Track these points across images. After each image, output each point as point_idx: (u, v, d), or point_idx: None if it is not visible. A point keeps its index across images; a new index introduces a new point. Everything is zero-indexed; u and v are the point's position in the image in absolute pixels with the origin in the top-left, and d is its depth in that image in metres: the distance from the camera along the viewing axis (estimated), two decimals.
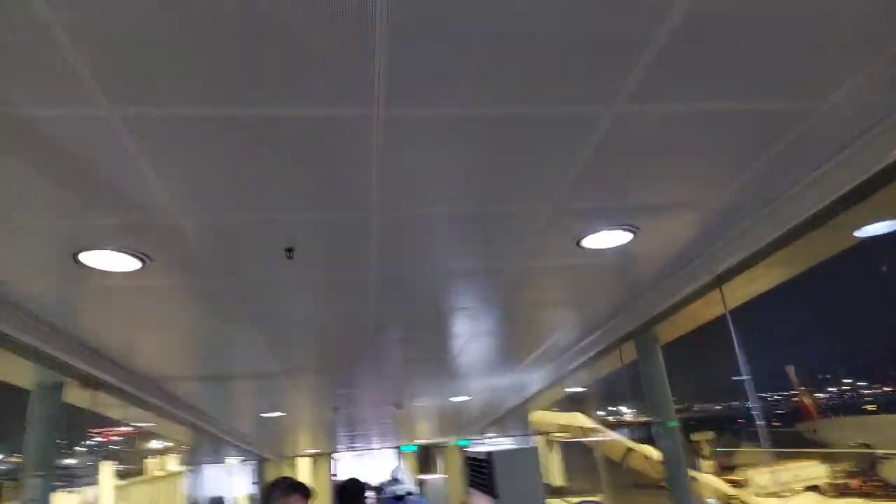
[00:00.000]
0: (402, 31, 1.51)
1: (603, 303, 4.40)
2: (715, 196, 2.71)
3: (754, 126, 2.15)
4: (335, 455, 23.06)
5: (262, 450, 15.07)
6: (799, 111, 2.09)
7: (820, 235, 3.12)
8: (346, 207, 2.43)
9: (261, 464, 18.37)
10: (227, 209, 2.34)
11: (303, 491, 2.79)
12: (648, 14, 1.55)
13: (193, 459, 15.23)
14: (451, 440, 18.06)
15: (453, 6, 1.46)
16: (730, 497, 19.28)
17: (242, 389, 6.86)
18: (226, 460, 16.77)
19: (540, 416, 15.65)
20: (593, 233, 2.93)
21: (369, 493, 11.44)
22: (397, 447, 22.55)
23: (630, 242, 3.08)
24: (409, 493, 5.97)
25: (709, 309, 4.69)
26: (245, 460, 18.32)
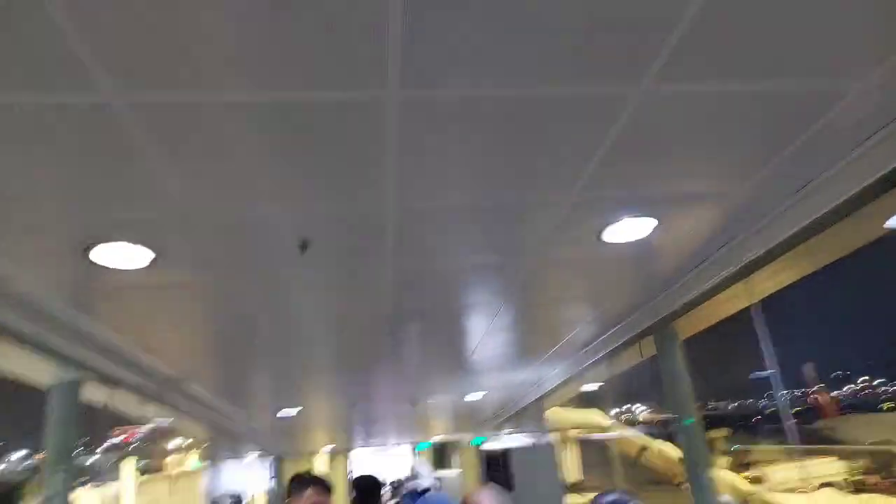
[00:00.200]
0: (416, 5, 1.44)
1: (623, 297, 4.31)
2: (741, 184, 2.61)
3: (786, 108, 2.06)
4: (352, 452, 23.16)
5: (280, 447, 15.13)
6: (833, 91, 1.99)
7: (848, 226, 3.01)
8: (360, 200, 2.37)
9: (278, 460, 18.47)
10: (239, 202, 2.29)
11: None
12: None
13: (212, 456, 15.34)
14: (466, 437, 18.03)
15: None
16: (747, 493, 19.10)
17: (259, 387, 6.85)
18: (244, 457, 16.87)
19: (556, 414, 15.58)
20: (614, 224, 2.84)
21: (387, 489, 11.46)
22: (413, 444, 22.58)
23: (652, 234, 2.99)
24: (429, 489, 5.92)
25: (727, 304, 4.59)
26: (262, 456, 18.43)
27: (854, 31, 1.71)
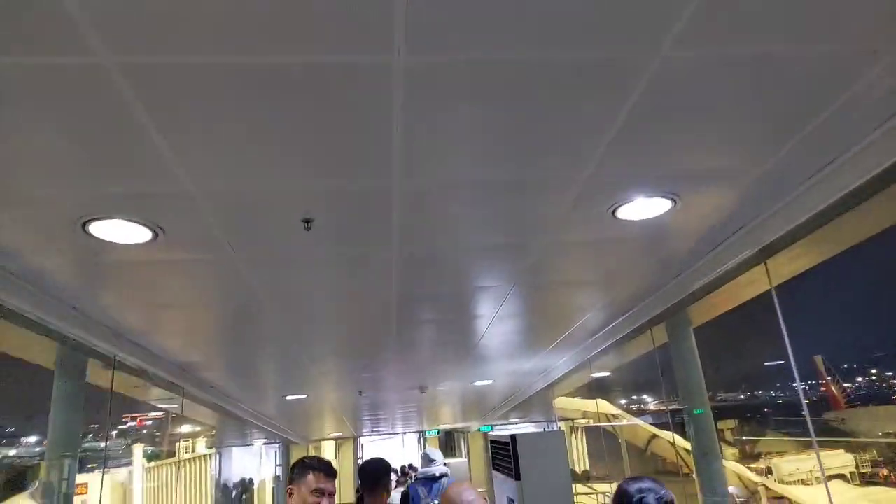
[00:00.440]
0: None
1: (635, 281, 4.21)
2: (762, 161, 2.50)
3: (811, 78, 1.94)
4: (360, 439, 23.28)
5: (288, 433, 15.20)
6: (862, 60, 1.87)
7: (872, 207, 2.90)
8: (365, 173, 2.28)
9: (285, 447, 18.58)
10: (240, 175, 2.21)
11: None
12: None
13: (220, 442, 15.44)
14: (474, 425, 18.04)
15: None
16: (755, 485, 19.05)
17: (266, 371, 6.82)
18: (252, 443, 17.00)
19: (564, 402, 15.54)
20: (629, 202, 2.74)
21: (397, 474, 11.44)
22: (421, 431, 22.65)
23: (668, 213, 2.89)
24: (444, 475, 5.85)
25: (742, 290, 4.47)
26: (270, 443, 18.55)
27: None
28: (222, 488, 15.48)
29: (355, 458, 23.80)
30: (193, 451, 21.25)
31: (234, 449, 16.97)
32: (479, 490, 2.67)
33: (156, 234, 2.58)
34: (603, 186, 2.58)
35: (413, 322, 4.84)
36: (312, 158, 2.15)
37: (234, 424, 11.84)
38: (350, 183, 2.36)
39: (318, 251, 3.04)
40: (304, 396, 8.71)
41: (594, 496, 13.76)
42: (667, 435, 17.43)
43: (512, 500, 5.25)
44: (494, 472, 6.06)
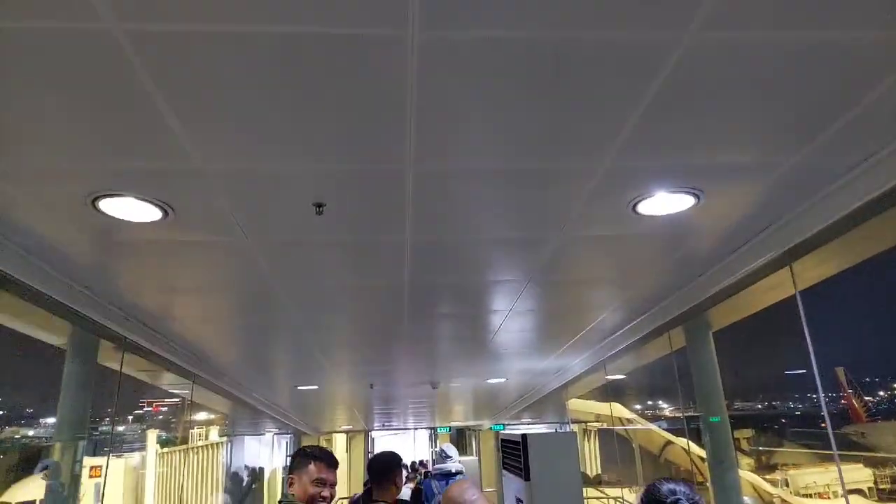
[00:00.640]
0: None
1: (654, 281, 4.10)
2: (791, 156, 2.38)
3: (846, 65, 1.83)
4: (372, 433, 23.33)
5: (299, 424, 15.26)
6: None
7: None
8: (378, 156, 2.21)
9: (297, 438, 18.68)
10: (251, 155, 2.16)
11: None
12: None
13: (232, 430, 15.56)
14: (486, 423, 17.96)
15: None
16: (770, 495, 18.74)
17: (278, 360, 6.82)
18: (264, 433, 17.12)
19: (577, 405, 15.39)
20: (651, 196, 2.64)
21: (408, 470, 11.39)
22: (433, 428, 22.64)
23: (691, 209, 2.79)
24: (460, 472, 5.82)
25: (765, 294, 4.34)
26: (282, 433, 18.65)
27: None
28: (232, 476, 15.60)
29: (366, 453, 23.88)
30: (206, 438, 21.48)
31: (246, 438, 17.08)
32: (488, 490, 2.61)
33: (166, 213, 2.55)
34: (624, 178, 2.48)
35: (425, 314, 4.78)
36: (324, 139, 2.09)
37: (246, 413, 11.90)
38: (363, 166, 2.30)
39: (330, 237, 2.99)
40: (316, 387, 8.70)
41: (605, 500, 13.59)
42: (681, 441, 17.20)
43: (520, 501, 5.16)
44: (504, 472, 5.98)
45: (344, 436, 23.85)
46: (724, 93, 1.94)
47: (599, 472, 20.02)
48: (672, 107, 1.99)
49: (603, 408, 16.54)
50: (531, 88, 1.86)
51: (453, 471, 5.91)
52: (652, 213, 2.83)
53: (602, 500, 13.67)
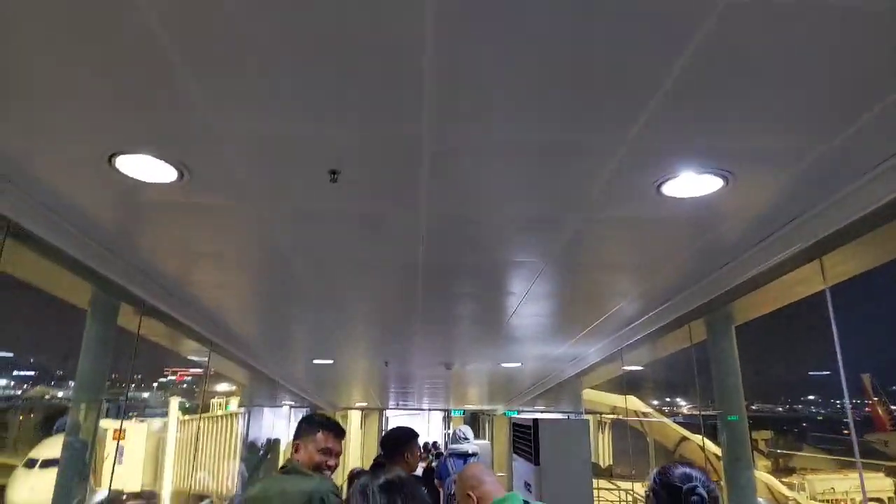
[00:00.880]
0: None
1: (677, 269, 3.99)
2: (825, 142, 2.27)
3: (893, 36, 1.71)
4: (386, 412, 23.55)
5: (315, 397, 15.45)
6: None
7: None
8: (394, 120, 2.15)
9: (313, 411, 18.92)
10: (265, 116, 2.13)
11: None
12: None
13: (249, 401, 15.82)
14: (500, 409, 17.98)
15: None
16: (786, 498, 18.51)
17: (293, 332, 6.87)
18: (281, 405, 17.38)
19: (592, 395, 15.29)
20: (677, 177, 2.54)
21: (419, 449, 11.39)
22: (447, 410, 22.76)
23: (719, 192, 2.68)
24: (475, 454, 5.87)
25: (790, 289, 4.20)
26: (298, 407, 18.90)
27: None
28: (249, 445, 15.89)
29: (380, 431, 24.12)
30: (226, 408, 21.93)
31: (264, 410, 17.36)
32: (499, 474, 2.61)
33: (181, 174, 2.53)
34: (649, 156, 2.39)
35: (439, 293, 4.74)
36: (339, 102, 2.04)
37: (264, 385, 12.07)
38: (378, 132, 2.24)
39: (345, 207, 2.95)
40: (331, 362, 8.77)
41: (616, 492, 13.53)
42: (697, 438, 17.02)
43: (529, 485, 5.15)
44: (514, 456, 5.97)
45: (359, 413, 24.12)
46: (759, 67, 1.83)
47: (612, 463, 19.93)
48: (703, 80, 1.89)
49: (618, 400, 16.40)
50: (555, 50, 1.78)
51: (469, 452, 5.95)
52: (677, 195, 2.73)
53: (613, 491, 13.61)
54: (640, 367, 8.54)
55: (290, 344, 7.75)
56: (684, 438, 18.69)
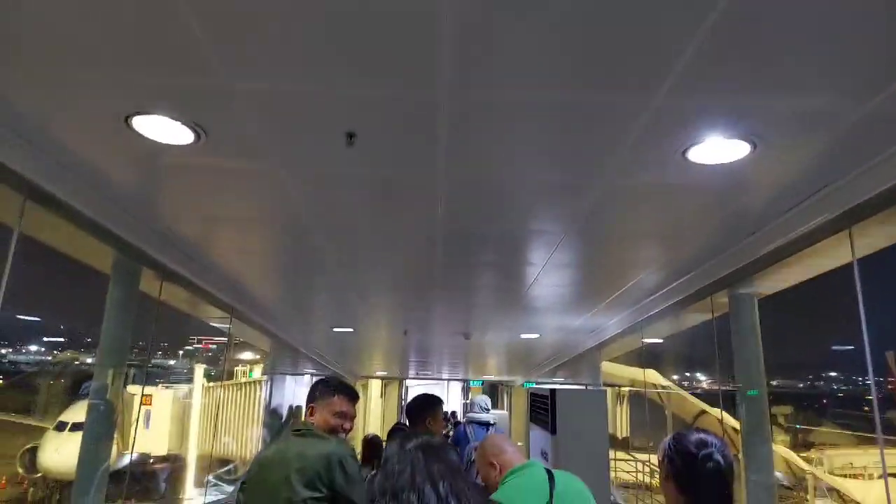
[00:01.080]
0: None
1: (701, 239, 3.90)
2: (859, 105, 2.16)
3: None
4: (406, 381, 23.85)
5: (336, 366, 15.67)
6: None
7: None
8: (412, 80, 2.11)
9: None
10: (281, 75, 2.09)
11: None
12: None
13: (272, 369, 16.13)
14: (518, 380, 18.08)
15: None
16: (803, 472, 18.48)
17: (313, 299, 6.93)
18: (303, 373, 17.69)
19: (611, 368, 15.29)
20: (703, 142, 2.46)
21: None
22: (466, 381, 22.97)
23: (746, 159, 2.59)
24: (494, 424, 5.97)
25: (819, 261, 4.08)
26: (320, 375, 19.24)
27: None
28: (271, 412, 16.25)
29: (400, 399, 24.46)
30: (249, 375, 22.44)
31: (286, 377, 17.71)
32: (518, 444, 2.65)
33: (198, 136, 2.52)
34: (675, 119, 2.31)
35: (458, 261, 4.72)
36: (354, 59, 1.99)
37: (286, 353, 12.26)
38: (395, 94, 2.20)
39: (362, 171, 2.92)
40: (351, 330, 8.85)
41: (633, 463, 13.61)
42: (715, 412, 16.99)
43: (545, 453, 5.18)
44: (531, 425, 6.01)
45: (379, 382, 24.46)
46: (790, 24, 1.74)
47: (629, 435, 20.02)
48: (733, 38, 1.81)
49: (637, 373, 16.38)
50: (579, 10, 1.71)
51: (491, 421, 6.03)
52: (703, 162, 2.65)
53: (630, 462, 13.69)
54: (659, 341, 8.48)
55: (310, 311, 7.83)
56: (703, 412, 18.65)
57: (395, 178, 3.03)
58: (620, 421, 20.88)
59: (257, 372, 21.29)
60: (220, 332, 10.25)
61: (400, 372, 20.83)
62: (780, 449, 18.52)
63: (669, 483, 1.64)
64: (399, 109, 2.32)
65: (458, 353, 12.34)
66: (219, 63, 2.01)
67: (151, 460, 20.14)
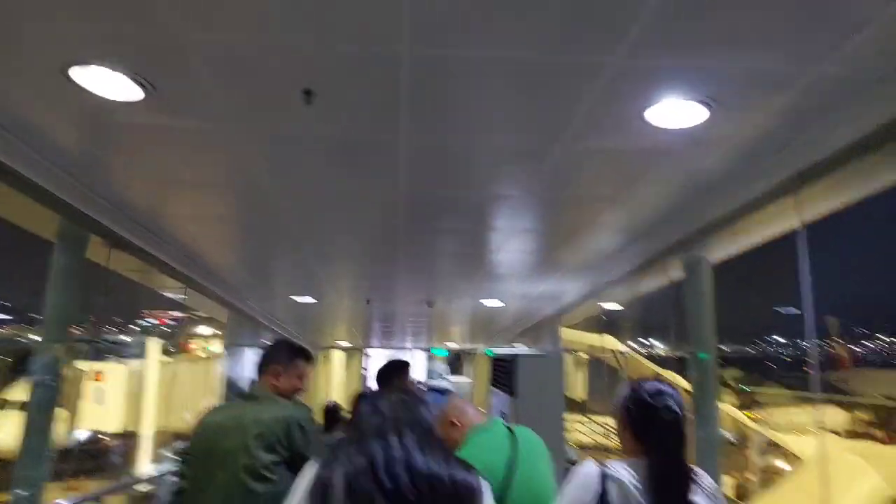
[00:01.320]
0: None
1: (657, 202, 3.97)
2: (816, 65, 2.21)
3: None
4: (368, 351, 23.87)
5: (298, 338, 15.56)
6: None
7: None
8: (371, 35, 2.05)
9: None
10: (235, 27, 2.00)
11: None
12: None
13: (231, 342, 15.91)
14: (480, 347, 18.33)
15: None
16: (749, 429, 19.43)
17: (273, 268, 6.82)
18: (262, 346, 17.57)
19: (571, 335, 15.61)
20: (661, 102, 2.48)
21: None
22: (428, 349, 23.16)
23: (702, 122, 2.63)
24: (450, 391, 6.09)
25: (767, 227, 4.22)
26: None
27: None
28: (230, 385, 16.06)
29: (360, 369, 24.49)
30: (206, 348, 22.07)
31: (246, 350, 17.51)
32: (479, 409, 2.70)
33: (146, 91, 2.40)
34: (634, 80, 2.32)
35: (421, 228, 4.70)
36: (314, 13, 1.92)
37: (245, 325, 12.07)
38: (355, 48, 2.13)
39: (321, 131, 2.85)
40: (311, 299, 8.76)
41: (588, 425, 14.07)
42: (668, 374, 17.62)
43: (505, 414, 5.32)
44: (493, 389, 6.16)
45: (341, 353, 24.43)
46: None
47: (586, 399, 20.62)
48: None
49: (595, 339, 16.77)
50: None
51: (448, 388, 6.14)
52: (660, 125, 2.68)
53: (586, 424, 14.14)
54: (618, 306, 8.68)
55: (270, 281, 7.71)
56: (657, 375, 19.31)
57: (355, 139, 2.97)
58: (578, 384, 21.44)
59: (214, 345, 20.95)
60: (176, 305, 10.01)
61: (363, 342, 20.82)
62: (729, 409, 19.39)
63: (626, 432, 1.68)
64: (360, 67, 2.26)
65: (422, 321, 12.40)
66: (166, 11, 1.91)
67: (105, 437, 19.72)
